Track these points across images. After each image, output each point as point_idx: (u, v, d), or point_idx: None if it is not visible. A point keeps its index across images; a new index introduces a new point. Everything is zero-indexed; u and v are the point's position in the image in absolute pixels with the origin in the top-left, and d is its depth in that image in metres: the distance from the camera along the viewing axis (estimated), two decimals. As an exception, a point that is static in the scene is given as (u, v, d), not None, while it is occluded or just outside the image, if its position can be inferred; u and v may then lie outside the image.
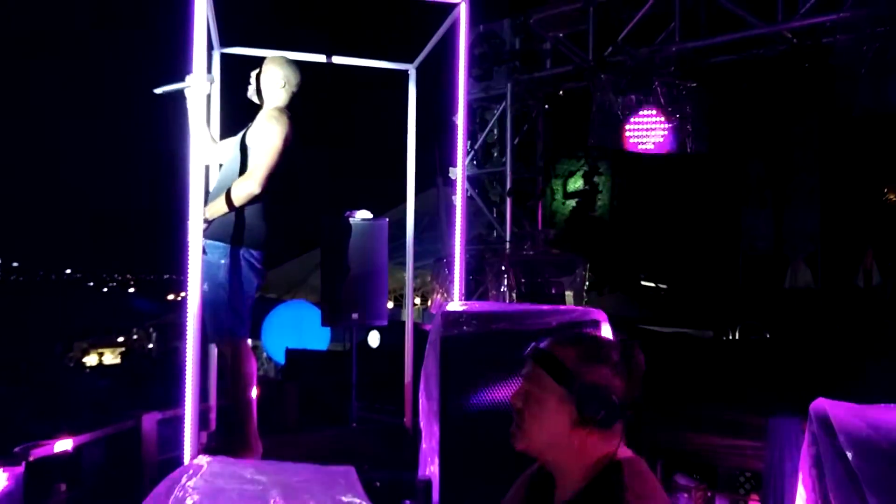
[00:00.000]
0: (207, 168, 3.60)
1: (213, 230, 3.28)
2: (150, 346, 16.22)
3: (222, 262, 3.33)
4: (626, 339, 1.49)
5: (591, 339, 1.47)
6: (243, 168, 3.40)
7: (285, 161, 3.40)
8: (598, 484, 1.38)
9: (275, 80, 3.54)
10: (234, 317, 3.38)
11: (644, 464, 1.43)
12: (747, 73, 5.37)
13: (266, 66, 3.58)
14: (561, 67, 6.16)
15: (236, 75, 4.01)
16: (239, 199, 3.29)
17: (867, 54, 4.28)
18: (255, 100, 3.62)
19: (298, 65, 3.66)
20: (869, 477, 1.14)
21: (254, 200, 3.34)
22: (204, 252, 3.28)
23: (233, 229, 3.35)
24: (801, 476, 1.31)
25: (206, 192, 3.41)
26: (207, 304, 3.31)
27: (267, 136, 3.35)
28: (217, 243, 3.32)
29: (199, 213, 2.91)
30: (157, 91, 3.12)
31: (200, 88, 2.90)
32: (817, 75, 4.99)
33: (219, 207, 3.29)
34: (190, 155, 2.86)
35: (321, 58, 4.20)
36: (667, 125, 5.31)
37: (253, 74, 3.61)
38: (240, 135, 3.55)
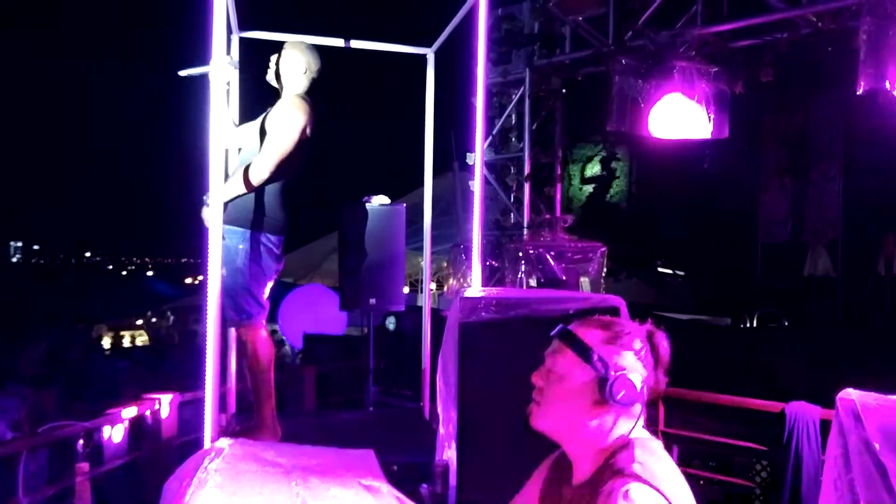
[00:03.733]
0: (227, 152, 3.60)
1: (232, 215, 3.28)
2: (169, 329, 16.38)
3: (241, 247, 3.34)
4: (651, 326, 1.49)
5: (618, 323, 1.48)
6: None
7: (303, 149, 3.41)
8: (609, 461, 1.39)
9: (297, 66, 3.53)
10: (252, 301, 3.40)
11: (658, 444, 1.43)
12: (770, 58, 5.28)
13: (287, 52, 3.57)
14: (580, 52, 6.10)
15: (255, 59, 4.01)
16: (248, 181, 3.30)
17: (893, 37, 4.21)
18: (275, 84, 3.61)
19: (319, 50, 3.65)
20: (897, 468, 1.12)
21: (265, 185, 3.35)
22: (223, 237, 3.31)
23: (252, 214, 3.36)
24: (826, 467, 1.30)
25: (226, 177, 3.42)
26: (226, 289, 3.32)
27: (284, 123, 3.35)
28: (236, 228, 3.33)
29: (220, 197, 2.92)
30: (182, 73, 3.13)
31: (221, 73, 2.90)
32: (841, 59, 4.91)
33: (231, 190, 3.30)
34: (209, 139, 2.87)
35: (339, 42, 4.19)
36: (690, 111, 5.24)
37: (273, 59, 3.60)
38: (259, 119, 3.55)
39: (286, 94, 3.55)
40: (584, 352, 1.41)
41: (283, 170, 3.37)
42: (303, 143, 3.41)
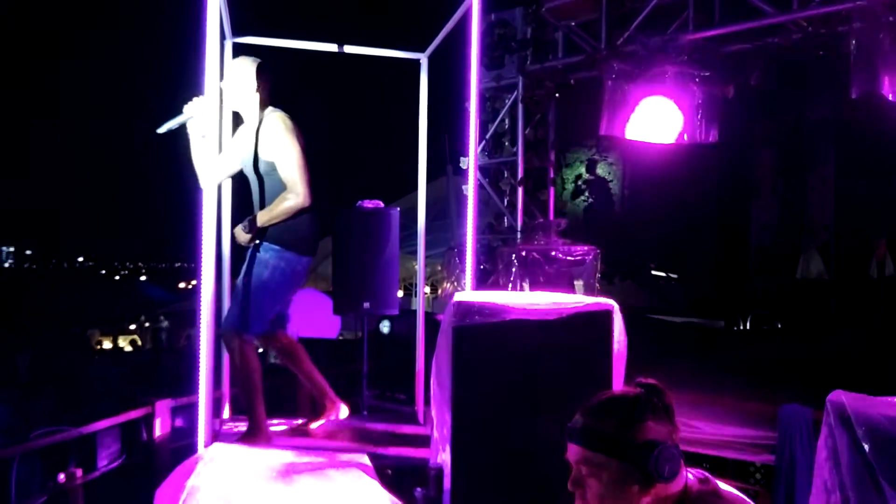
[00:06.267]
0: (220, 160, 3.58)
1: (271, 233, 3.34)
2: (163, 334, 16.33)
3: (272, 262, 3.35)
4: (649, 384, 1.42)
5: (623, 398, 1.40)
6: (277, 180, 3.37)
7: (311, 163, 3.42)
8: None
9: (253, 83, 3.41)
10: (257, 315, 3.39)
11: (718, 493, 1.40)
12: (761, 62, 5.32)
13: (237, 71, 3.44)
14: (572, 56, 6.13)
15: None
16: (289, 213, 3.32)
17: (883, 42, 4.25)
18: (238, 109, 3.50)
19: (264, 56, 3.56)
20: (886, 469, 1.14)
21: (304, 210, 3.36)
22: (257, 249, 3.37)
23: (286, 235, 3.37)
24: (816, 468, 1.31)
25: (261, 201, 3.47)
26: (242, 298, 3.36)
27: (287, 148, 3.32)
28: (273, 245, 3.36)
29: (212, 204, 2.93)
30: (160, 131, 3.15)
31: (197, 118, 2.92)
32: (832, 64, 4.94)
33: (266, 220, 3.34)
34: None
35: (333, 47, 4.19)
36: (678, 115, 5.28)
37: (225, 86, 3.42)
38: (244, 146, 3.48)
39: (253, 116, 3.43)
40: (609, 447, 1.34)
41: (312, 193, 3.38)
42: (308, 159, 3.39)
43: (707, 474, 1.42)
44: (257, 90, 3.42)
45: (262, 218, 3.33)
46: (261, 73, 3.42)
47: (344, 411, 3.76)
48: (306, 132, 3.46)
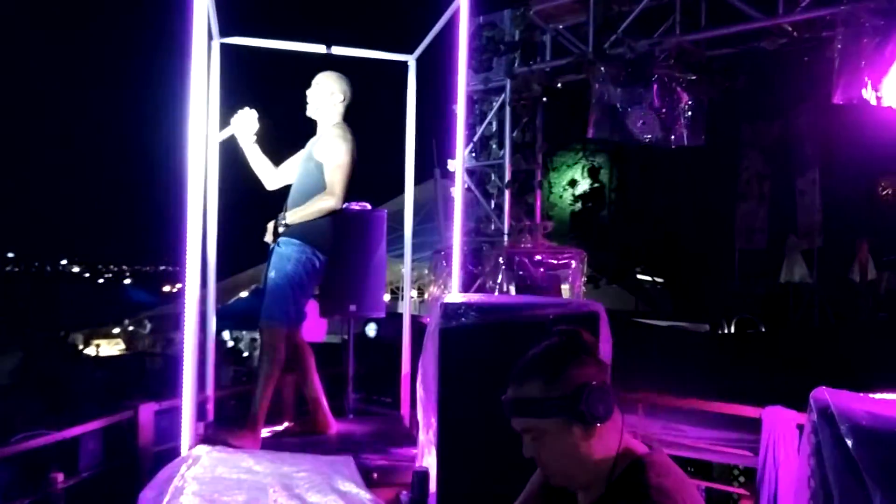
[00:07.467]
0: (206, 163, 3.60)
1: (292, 230, 3.58)
2: (146, 337, 16.21)
3: (294, 256, 3.55)
4: (565, 330, 1.46)
5: (540, 357, 1.44)
6: (315, 181, 3.61)
7: (354, 174, 3.67)
8: (621, 484, 1.36)
9: (336, 96, 3.73)
10: (288, 307, 3.56)
11: (665, 457, 1.42)
12: (747, 67, 5.36)
13: (321, 84, 3.75)
14: (560, 59, 6.13)
15: (235, 65, 4.02)
16: (321, 212, 3.58)
17: (867, 47, 4.29)
18: (315, 117, 3.78)
19: (346, 74, 3.87)
20: (869, 464, 1.15)
21: (332, 212, 3.62)
22: (279, 245, 3.60)
23: (307, 231, 3.58)
24: (800, 463, 1.32)
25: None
26: (268, 291, 3.58)
27: (338, 154, 3.59)
28: (294, 241, 3.57)
29: (198, 207, 2.93)
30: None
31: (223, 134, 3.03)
32: (817, 69, 4.99)
33: (299, 217, 3.58)
34: (188, 154, 2.90)
35: (321, 48, 4.18)
36: (665, 119, 5.30)
37: (310, 94, 3.77)
38: (305, 151, 3.75)
39: (325, 125, 3.73)
40: (539, 409, 1.38)
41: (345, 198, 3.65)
42: (353, 170, 3.64)
43: (658, 447, 1.44)
44: (335, 104, 3.73)
45: (295, 215, 3.58)
46: (341, 89, 3.75)
47: (332, 430, 3.84)
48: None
